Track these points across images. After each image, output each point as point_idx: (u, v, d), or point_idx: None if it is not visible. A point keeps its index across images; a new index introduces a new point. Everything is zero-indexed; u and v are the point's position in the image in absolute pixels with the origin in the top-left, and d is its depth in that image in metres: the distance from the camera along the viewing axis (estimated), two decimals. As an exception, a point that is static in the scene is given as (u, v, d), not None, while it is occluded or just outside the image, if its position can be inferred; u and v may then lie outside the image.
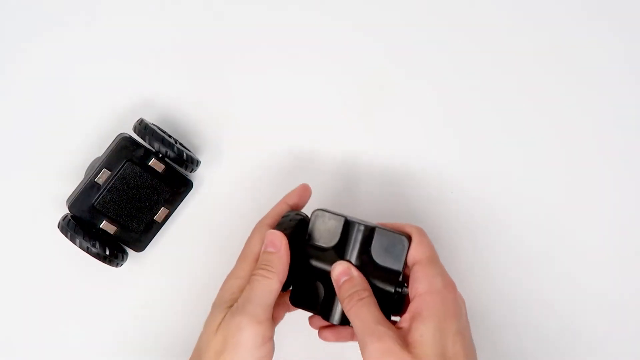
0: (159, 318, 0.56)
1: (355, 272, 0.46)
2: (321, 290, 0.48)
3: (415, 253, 0.46)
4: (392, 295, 0.46)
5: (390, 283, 0.46)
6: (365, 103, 0.57)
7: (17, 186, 0.56)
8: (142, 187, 0.52)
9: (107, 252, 0.52)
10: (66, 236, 0.51)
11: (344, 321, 0.47)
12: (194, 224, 0.56)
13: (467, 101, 0.57)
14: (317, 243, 0.48)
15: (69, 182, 0.54)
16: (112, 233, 0.53)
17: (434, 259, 0.46)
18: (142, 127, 0.52)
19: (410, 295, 0.45)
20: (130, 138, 0.52)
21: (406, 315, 0.44)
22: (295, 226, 0.48)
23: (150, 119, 0.55)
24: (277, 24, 0.57)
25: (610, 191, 0.56)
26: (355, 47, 0.57)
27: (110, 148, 0.52)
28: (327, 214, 0.48)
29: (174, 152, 0.52)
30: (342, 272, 0.46)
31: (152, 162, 0.52)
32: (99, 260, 0.52)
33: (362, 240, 0.47)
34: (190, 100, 0.56)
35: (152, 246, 0.55)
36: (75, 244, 0.51)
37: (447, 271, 0.46)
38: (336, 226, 0.48)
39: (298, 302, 0.48)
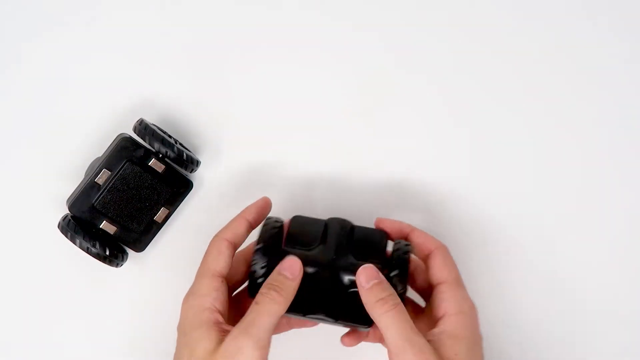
0: (159, 318, 0.55)
1: (382, 276, 0.45)
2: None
3: (441, 273, 0.47)
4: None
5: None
6: (365, 103, 0.57)
7: (17, 186, 0.56)
8: (142, 188, 0.52)
9: (107, 252, 0.52)
10: (66, 236, 0.51)
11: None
12: (194, 224, 0.56)
13: (468, 101, 0.57)
14: (298, 247, 0.48)
15: (69, 182, 0.54)
16: (112, 233, 0.53)
17: (459, 281, 0.47)
18: (142, 127, 0.52)
19: (438, 313, 0.46)
20: (130, 138, 0.52)
21: (435, 330, 0.45)
22: (276, 234, 0.48)
23: (150, 119, 0.55)
24: (277, 24, 0.57)
25: (621, 196, 0.56)
26: (355, 47, 0.57)
27: (110, 148, 0.52)
28: (305, 218, 0.49)
29: (174, 152, 0.52)
30: (371, 275, 0.45)
31: (152, 163, 0.52)
32: (99, 260, 0.52)
33: (342, 239, 0.48)
34: (190, 100, 0.56)
35: (152, 246, 0.55)
36: (76, 244, 0.51)
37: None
38: (316, 229, 0.49)
39: (290, 309, 0.46)
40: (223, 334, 0.44)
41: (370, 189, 0.56)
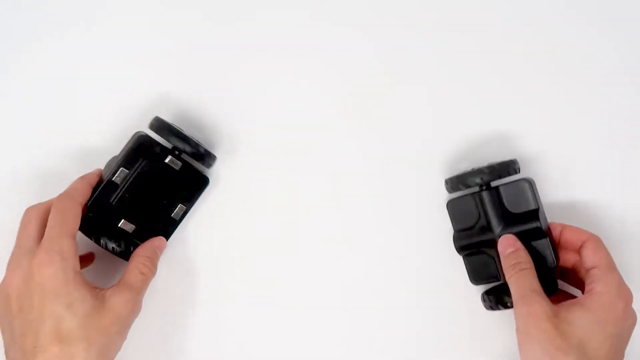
0: (180, 313, 0.55)
1: (519, 245, 0.50)
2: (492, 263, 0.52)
3: (593, 258, 0.48)
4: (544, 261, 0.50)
5: (533, 220, 0.50)
6: (371, 101, 0.56)
7: (34, 187, 0.55)
8: (159, 185, 0.52)
9: (132, 251, 0.52)
10: (90, 237, 0.51)
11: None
12: (212, 221, 0.56)
13: (462, 102, 0.57)
14: (463, 227, 0.53)
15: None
16: (130, 232, 0.52)
17: (611, 266, 0.48)
18: (159, 125, 0.51)
19: (585, 292, 0.48)
20: (147, 136, 0.52)
21: (569, 303, 0.47)
22: None
23: (165, 116, 0.54)
24: (290, 24, 0.56)
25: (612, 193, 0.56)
26: (367, 45, 0.57)
27: (127, 147, 0.52)
28: (458, 199, 0.53)
29: (191, 147, 0.51)
30: (508, 244, 0.50)
31: (169, 160, 0.52)
32: (123, 259, 0.52)
33: (494, 204, 0.51)
34: (205, 98, 0.56)
35: (170, 244, 0.54)
36: (101, 245, 0.51)
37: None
38: (469, 205, 0.52)
39: (478, 280, 0.53)
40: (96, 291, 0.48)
41: (376, 183, 0.56)
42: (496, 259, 0.51)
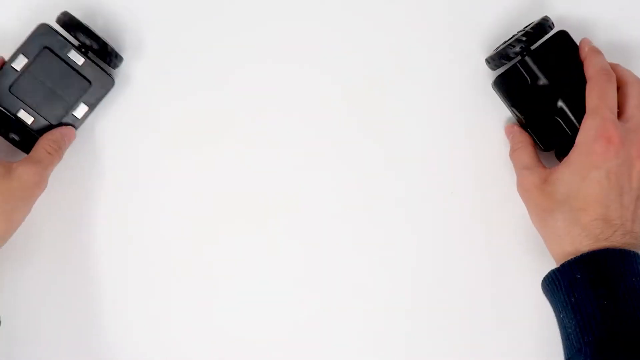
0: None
1: (514, 129, 0.52)
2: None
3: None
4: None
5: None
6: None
7: None
8: (61, 79, 0.52)
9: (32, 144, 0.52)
10: None
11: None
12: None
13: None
14: (517, 99, 0.52)
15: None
16: (29, 123, 0.52)
17: (594, 109, 0.47)
18: (66, 19, 0.51)
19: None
20: (50, 27, 0.52)
21: (559, 164, 0.49)
22: None
23: (75, 13, 0.53)
24: None
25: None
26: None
27: (29, 35, 0.52)
28: (503, 74, 0.52)
29: (97, 44, 0.51)
30: (505, 132, 0.53)
31: (72, 54, 0.52)
32: (23, 151, 0.52)
33: (541, 63, 0.51)
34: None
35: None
36: None
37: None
38: (517, 74, 0.51)
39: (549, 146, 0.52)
40: None
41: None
42: (561, 116, 0.51)
